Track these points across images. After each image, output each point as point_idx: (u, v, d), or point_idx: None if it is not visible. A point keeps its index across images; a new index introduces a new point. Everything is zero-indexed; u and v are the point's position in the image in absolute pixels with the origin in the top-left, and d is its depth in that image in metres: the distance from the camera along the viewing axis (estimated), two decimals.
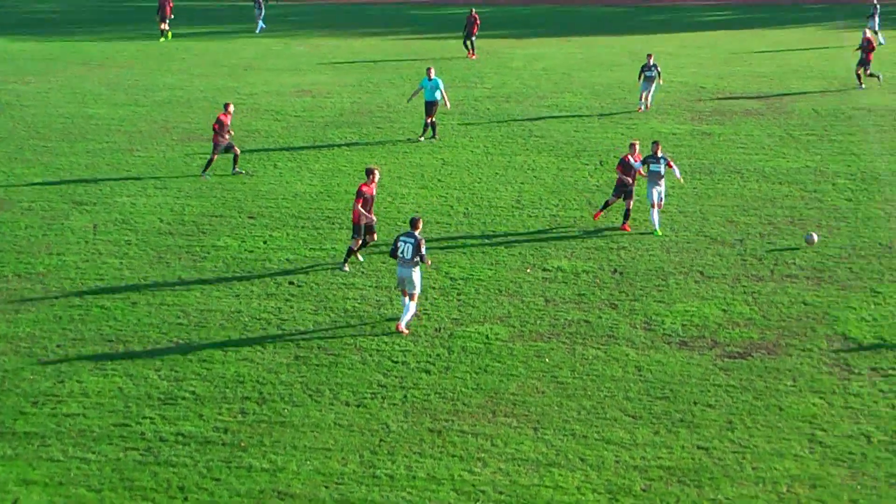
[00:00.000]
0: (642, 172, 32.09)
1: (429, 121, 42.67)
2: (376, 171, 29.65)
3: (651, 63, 47.28)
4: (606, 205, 32.90)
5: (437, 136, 42.72)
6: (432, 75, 42.52)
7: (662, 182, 31.98)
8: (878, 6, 67.36)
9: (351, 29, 77.26)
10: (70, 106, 49.65)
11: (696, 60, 61.52)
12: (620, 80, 54.62)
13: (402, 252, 25.05)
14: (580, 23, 79.90)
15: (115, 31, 75.81)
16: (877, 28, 65.79)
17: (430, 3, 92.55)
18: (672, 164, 32.03)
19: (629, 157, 32.14)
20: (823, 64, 58.77)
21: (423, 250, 25.03)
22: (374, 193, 29.67)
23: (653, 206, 31.84)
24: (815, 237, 30.52)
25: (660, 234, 31.66)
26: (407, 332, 25.15)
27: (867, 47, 51.19)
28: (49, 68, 59.92)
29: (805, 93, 50.98)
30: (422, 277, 25.91)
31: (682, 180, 34.56)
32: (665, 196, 32.92)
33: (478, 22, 63.38)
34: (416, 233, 25.18)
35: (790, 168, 38.42)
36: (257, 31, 74.56)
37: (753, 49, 65.35)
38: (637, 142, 32.80)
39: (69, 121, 46.60)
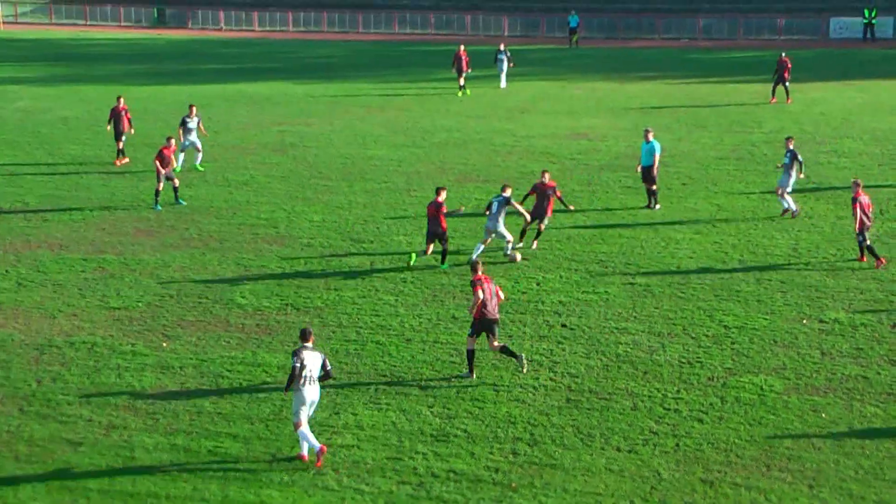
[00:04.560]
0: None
1: (650, 188, 39.20)
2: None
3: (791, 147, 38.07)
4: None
5: (655, 205, 39.41)
6: (650, 138, 39.12)
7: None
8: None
9: (626, 73, 77.25)
10: (350, 147, 51.07)
11: None
12: None
13: (309, 371, 21.32)
14: (859, 66, 77.92)
15: (393, 75, 77.67)
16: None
17: (704, 47, 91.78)
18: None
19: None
20: None
21: (329, 367, 21.81)
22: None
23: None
24: None
25: None
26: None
27: None
28: (332, 111, 61.82)
29: None
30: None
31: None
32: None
33: (789, 66, 61.72)
34: (310, 344, 21.68)
35: None
36: (502, 87, 70.63)
37: None
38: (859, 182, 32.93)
39: (349, 161, 47.92)
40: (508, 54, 70.18)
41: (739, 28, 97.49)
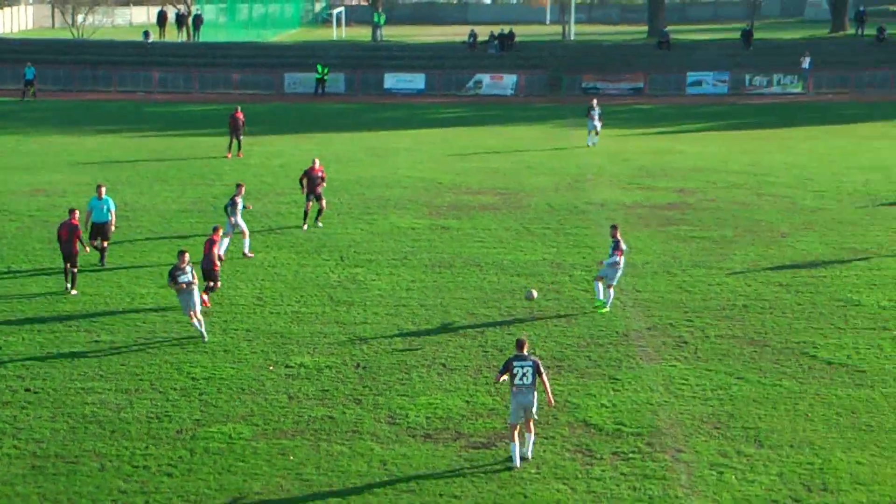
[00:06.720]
0: None
1: (100, 245, 38.29)
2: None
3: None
4: None
5: (104, 263, 38.39)
6: (102, 194, 38.60)
7: None
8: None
9: (84, 125, 75.82)
10: None
11: (431, 156, 62.57)
12: (358, 176, 55.18)
13: (521, 378, 23.37)
14: (314, 119, 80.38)
15: None
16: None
17: (161, 100, 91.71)
18: None
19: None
20: (555, 160, 60.57)
21: (543, 370, 23.65)
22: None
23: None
24: (535, 293, 32.71)
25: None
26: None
27: None
28: None
29: (539, 188, 52.39)
30: None
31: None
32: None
33: (242, 121, 62.31)
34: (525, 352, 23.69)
35: (528, 261, 39.30)
36: None
37: (488, 145, 66.86)
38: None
39: None
40: None
41: (195, 81, 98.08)
